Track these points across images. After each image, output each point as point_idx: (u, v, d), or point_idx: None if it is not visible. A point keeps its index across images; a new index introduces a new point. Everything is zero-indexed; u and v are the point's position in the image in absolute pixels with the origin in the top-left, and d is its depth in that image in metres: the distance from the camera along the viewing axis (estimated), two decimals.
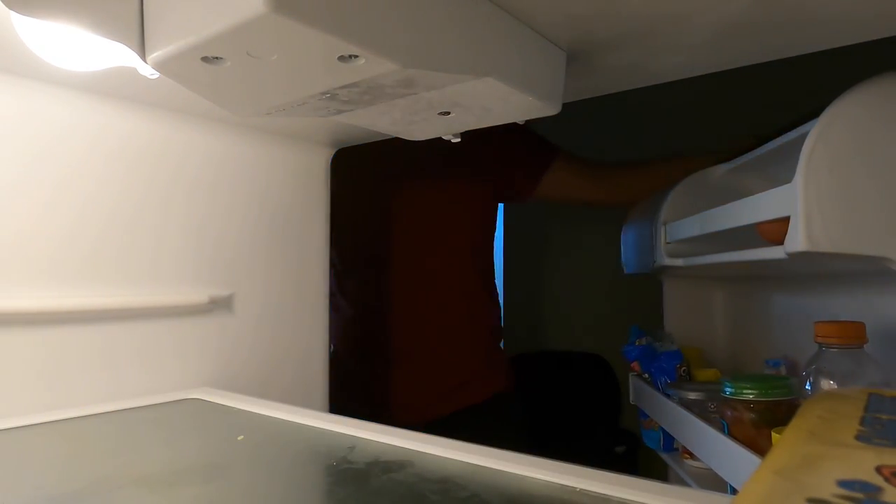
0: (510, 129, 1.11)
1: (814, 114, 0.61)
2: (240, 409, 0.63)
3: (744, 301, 1.13)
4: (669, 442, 1.02)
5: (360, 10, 0.35)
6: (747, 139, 0.92)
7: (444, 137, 0.59)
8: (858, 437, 0.26)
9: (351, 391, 1.06)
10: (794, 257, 0.57)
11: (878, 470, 0.21)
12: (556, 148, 1.15)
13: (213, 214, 0.79)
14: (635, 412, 1.14)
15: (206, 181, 0.79)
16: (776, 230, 0.61)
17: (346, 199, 1.01)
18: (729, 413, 0.71)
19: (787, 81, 1.19)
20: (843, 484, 0.20)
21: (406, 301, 1.08)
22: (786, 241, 0.57)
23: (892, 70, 0.56)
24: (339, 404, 0.92)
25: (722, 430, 0.72)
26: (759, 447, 0.64)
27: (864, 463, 0.22)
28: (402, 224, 1.08)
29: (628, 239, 1.21)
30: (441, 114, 0.50)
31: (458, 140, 0.58)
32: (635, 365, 1.11)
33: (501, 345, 1.19)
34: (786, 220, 0.57)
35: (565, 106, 0.53)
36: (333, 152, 0.94)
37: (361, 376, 1.09)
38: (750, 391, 0.69)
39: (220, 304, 0.79)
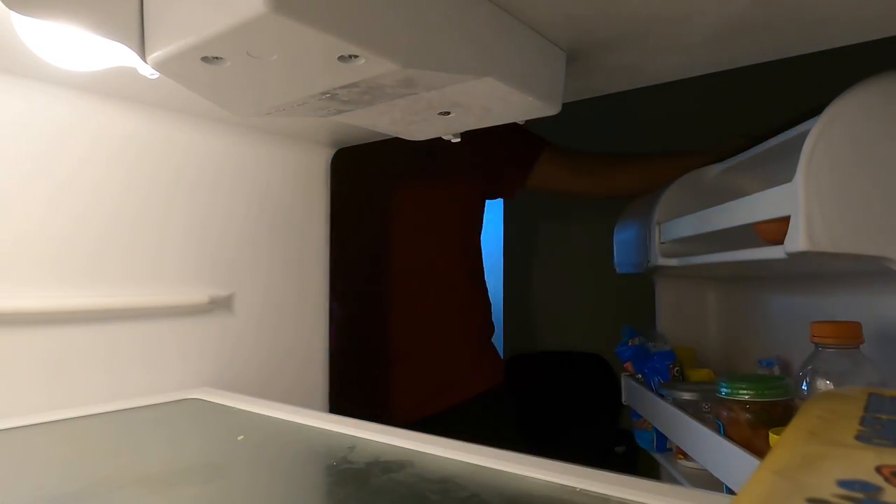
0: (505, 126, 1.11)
1: (809, 113, 0.61)
2: (240, 409, 0.63)
3: (736, 301, 1.13)
4: (663, 442, 1.02)
5: (360, 10, 0.36)
6: (741, 139, 0.93)
7: (444, 137, 0.59)
8: (858, 437, 0.26)
9: (345, 389, 1.07)
10: (794, 257, 0.57)
11: (878, 470, 0.21)
12: (543, 141, 1.15)
13: (213, 214, 0.79)
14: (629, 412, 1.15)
15: (206, 181, 0.79)
16: (775, 230, 0.60)
17: (346, 199, 1.01)
18: (725, 413, 0.71)
19: (787, 81, 1.19)
20: (843, 484, 0.20)
21: (401, 300, 1.08)
22: (786, 241, 0.57)
23: (892, 69, 0.56)
24: (334, 402, 0.92)
25: (718, 430, 0.72)
26: (756, 448, 0.64)
27: (864, 463, 0.22)
28: (398, 223, 1.08)
29: (621, 239, 1.21)
30: (441, 114, 0.50)
31: (458, 140, 0.58)
32: (628, 365, 1.11)
33: (493, 341, 1.20)
34: (785, 219, 0.57)
35: (565, 106, 0.53)
36: (333, 152, 0.94)
37: (355, 375, 1.10)
38: (746, 392, 0.69)
39: (220, 304, 0.79)
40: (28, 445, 0.53)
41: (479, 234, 1.17)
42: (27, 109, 0.64)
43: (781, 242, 0.58)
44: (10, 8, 0.37)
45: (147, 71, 0.42)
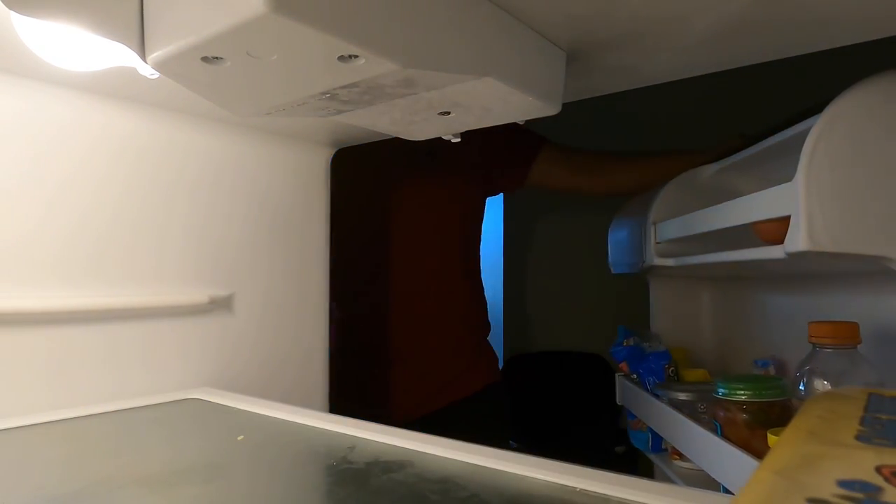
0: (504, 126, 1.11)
1: (805, 114, 0.61)
2: (240, 409, 0.63)
3: (730, 301, 1.13)
4: (658, 443, 1.01)
5: (360, 10, 0.35)
6: (737, 139, 0.93)
7: (444, 137, 0.59)
8: (858, 437, 0.26)
9: (343, 388, 1.07)
10: (794, 257, 0.57)
11: (878, 470, 0.21)
12: (542, 139, 1.16)
13: (213, 214, 0.79)
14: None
15: (206, 181, 0.79)
16: (774, 230, 0.60)
17: (346, 199, 1.01)
18: (722, 414, 0.71)
19: (787, 81, 1.19)
20: (843, 484, 0.20)
21: (399, 299, 1.08)
22: (786, 241, 0.56)
23: (892, 69, 0.56)
24: (333, 401, 0.93)
25: (715, 431, 0.72)
26: (753, 448, 0.64)
27: (864, 463, 0.22)
28: (397, 223, 1.08)
29: (615, 239, 1.21)
30: (441, 114, 0.50)
31: (458, 140, 0.58)
32: (623, 365, 1.10)
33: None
34: (785, 219, 0.57)
35: (565, 106, 0.53)
36: (333, 152, 0.94)
37: (354, 374, 1.10)
38: (743, 392, 0.69)
39: (220, 304, 0.79)
40: (28, 445, 0.53)
41: (479, 232, 1.18)
42: (27, 109, 0.64)
43: (781, 242, 0.58)
44: (10, 8, 0.37)
45: (147, 71, 0.42)
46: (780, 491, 0.21)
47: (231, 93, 0.45)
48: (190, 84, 0.43)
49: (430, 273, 1.09)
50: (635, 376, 1.06)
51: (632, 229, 1.05)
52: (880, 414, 0.30)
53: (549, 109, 0.51)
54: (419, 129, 0.55)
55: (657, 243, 0.93)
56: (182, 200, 0.76)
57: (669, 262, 0.90)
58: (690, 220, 0.81)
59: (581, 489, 0.38)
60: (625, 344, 1.12)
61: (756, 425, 0.67)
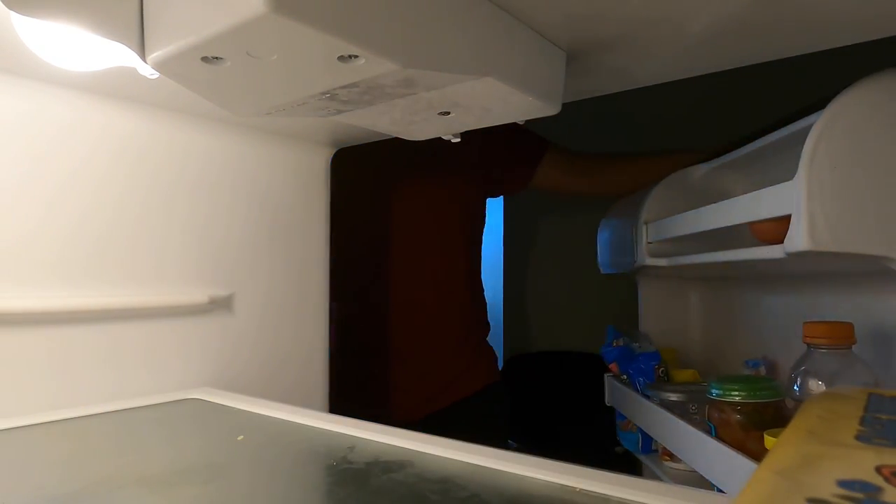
0: (507, 127, 1.11)
1: (795, 115, 0.61)
2: (240, 409, 0.63)
3: (719, 301, 1.13)
4: (648, 443, 1.01)
5: (360, 10, 0.35)
6: (724, 145, 0.92)
7: (444, 137, 0.59)
8: (858, 437, 0.26)
9: (344, 388, 1.07)
10: (794, 257, 0.56)
11: (878, 470, 0.21)
12: (545, 142, 1.16)
13: (213, 214, 0.79)
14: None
15: (206, 181, 0.79)
16: (772, 230, 0.60)
17: (346, 199, 1.01)
18: (716, 415, 0.71)
19: (786, 80, 1.19)
20: (843, 484, 0.20)
21: (400, 299, 1.08)
22: (786, 241, 0.56)
23: (892, 67, 0.56)
24: (332, 401, 0.93)
25: (709, 432, 0.71)
26: (748, 449, 0.64)
27: (864, 463, 0.22)
28: (398, 223, 1.08)
29: (605, 239, 1.21)
30: (441, 114, 0.50)
31: (458, 140, 0.58)
32: (613, 366, 1.10)
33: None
34: (783, 219, 0.57)
35: (565, 106, 0.53)
36: (333, 152, 0.94)
37: (354, 374, 1.10)
38: (737, 393, 0.69)
39: (219, 304, 0.79)
40: (29, 445, 0.53)
41: (480, 233, 1.18)
42: (28, 109, 0.64)
43: (778, 242, 0.58)
44: (10, 8, 0.37)
45: (147, 71, 0.42)
46: (780, 491, 0.21)
47: (231, 93, 0.45)
48: (190, 84, 0.43)
49: (431, 273, 1.09)
50: (625, 377, 1.06)
51: (622, 229, 1.04)
52: (880, 414, 0.30)
53: (549, 109, 0.51)
54: (419, 129, 0.55)
55: (649, 243, 0.92)
56: (182, 200, 0.76)
57: (662, 261, 0.89)
58: (685, 220, 0.80)
59: (581, 489, 0.38)
60: (614, 344, 1.11)
61: (750, 426, 0.66)
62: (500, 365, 1.55)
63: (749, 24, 0.48)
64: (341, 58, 0.37)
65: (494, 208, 1.97)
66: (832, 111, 0.54)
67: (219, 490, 0.41)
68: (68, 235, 0.66)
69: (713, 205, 0.72)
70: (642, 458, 1.02)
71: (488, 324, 1.19)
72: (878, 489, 0.20)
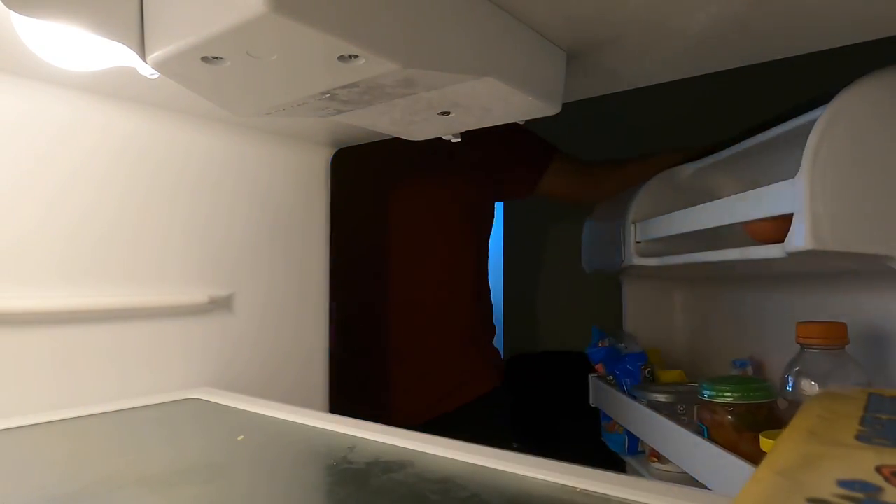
0: (510, 128, 1.11)
1: (780, 117, 0.60)
2: (240, 409, 0.63)
3: (704, 301, 1.12)
4: (634, 445, 0.99)
5: (360, 10, 0.35)
6: (711, 146, 0.92)
7: (444, 137, 0.59)
8: (858, 437, 0.26)
9: (348, 391, 1.07)
10: (795, 256, 0.55)
11: (878, 470, 0.21)
12: (553, 148, 1.16)
13: (213, 214, 0.79)
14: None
15: (206, 181, 0.79)
16: (769, 228, 0.59)
17: (346, 199, 1.01)
18: (708, 416, 0.70)
19: (783, 79, 1.19)
20: (843, 484, 0.20)
21: (403, 300, 1.08)
22: (788, 240, 0.54)
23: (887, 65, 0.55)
24: (336, 405, 0.92)
25: (701, 433, 0.70)
26: (742, 451, 0.63)
27: (864, 463, 0.22)
28: (401, 224, 1.08)
29: (590, 239, 1.19)
30: (441, 114, 0.50)
31: (458, 140, 0.58)
32: (600, 367, 1.09)
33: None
34: (781, 217, 0.56)
35: (564, 106, 0.53)
36: (333, 152, 0.94)
37: (358, 377, 1.10)
38: (730, 394, 0.68)
39: (219, 304, 0.79)
40: (31, 445, 0.53)
41: (487, 235, 1.17)
42: (28, 109, 0.64)
43: (775, 241, 0.57)
44: (10, 8, 0.37)
45: (147, 71, 0.42)
46: (780, 491, 0.21)
47: (231, 93, 0.45)
48: (190, 84, 0.43)
49: (434, 274, 1.09)
50: (611, 378, 1.05)
51: (608, 229, 1.02)
52: (880, 414, 0.30)
53: (549, 109, 0.51)
54: (419, 129, 0.55)
55: (637, 242, 0.91)
56: (182, 200, 0.76)
57: (652, 261, 0.87)
58: (679, 219, 0.79)
59: (581, 489, 0.38)
60: (600, 345, 1.10)
61: (744, 428, 0.66)
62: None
63: (749, 24, 0.48)
64: (341, 58, 0.37)
65: (495, 207, 1.97)
66: (835, 108, 0.53)
67: (219, 490, 0.41)
68: (69, 235, 0.66)
69: (709, 203, 0.70)
70: (629, 459, 1.01)
71: (494, 327, 1.19)
72: (878, 489, 0.20)
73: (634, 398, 0.92)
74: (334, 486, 0.43)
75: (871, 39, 0.51)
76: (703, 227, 0.71)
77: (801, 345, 0.62)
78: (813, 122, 0.57)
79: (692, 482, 0.71)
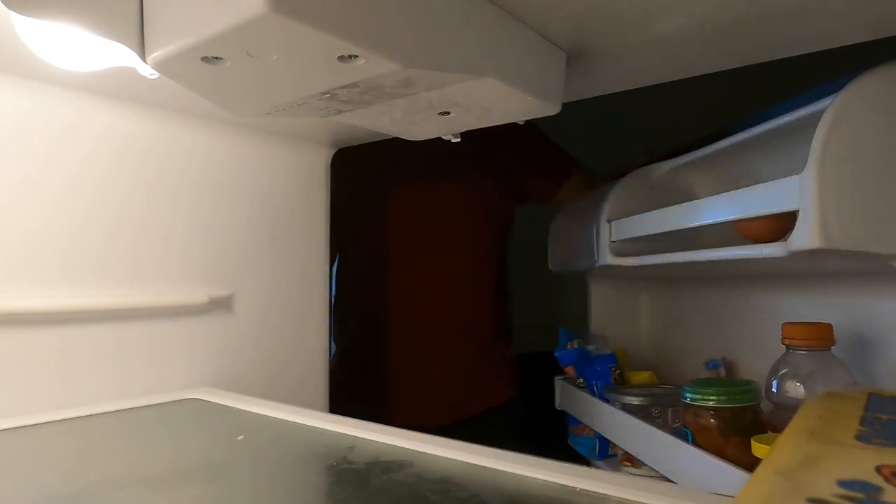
0: (535, 136, 1.10)
1: (757, 117, 0.59)
2: (240, 409, 0.63)
3: (672, 301, 1.09)
4: (605, 448, 0.97)
5: (360, 10, 0.35)
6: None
7: (444, 137, 0.59)
8: (858, 437, 0.26)
9: (358, 397, 1.06)
10: (800, 256, 0.53)
11: (878, 470, 0.21)
12: (575, 161, 1.15)
13: (214, 214, 0.79)
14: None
15: (207, 181, 0.79)
16: (765, 227, 0.57)
17: (351, 197, 1.00)
18: (692, 420, 0.67)
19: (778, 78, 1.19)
20: (843, 484, 0.20)
21: (423, 304, 1.07)
22: (792, 238, 0.52)
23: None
24: (344, 409, 0.92)
25: (683, 437, 0.68)
26: (728, 455, 0.61)
27: (864, 463, 0.22)
28: (418, 226, 1.07)
29: (558, 238, 1.14)
30: (441, 114, 0.50)
31: (458, 140, 0.58)
32: (570, 369, 1.05)
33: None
34: (780, 216, 0.55)
35: (564, 106, 0.53)
36: (333, 152, 0.94)
37: (368, 383, 1.09)
38: (716, 397, 0.66)
39: (219, 304, 0.79)
40: (32, 445, 0.53)
41: (503, 240, 1.15)
42: (29, 110, 0.64)
43: (770, 240, 0.56)
44: (10, 8, 0.37)
45: (147, 71, 0.42)
46: (780, 491, 0.21)
47: (231, 93, 0.45)
48: (190, 84, 0.43)
49: (452, 276, 1.08)
50: (581, 380, 1.02)
51: (580, 228, 0.98)
52: (880, 414, 0.30)
53: (549, 109, 0.51)
54: (419, 129, 0.55)
55: (612, 242, 0.87)
56: (183, 200, 0.76)
57: (632, 261, 0.83)
58: (663, 217, 0.74)
59: (581, 489, 0.38)
60: (569, 347, 1.07)
61: (730, 431, 0.64)
62: None
63: (751, 21, 0.48)
64: (341, 58, 0.37)
65: None
66: (847, 96, 0.50)
67: (219, 490, 0.41)
68: (71, 236, 0.66)
69: (703, 200, 0.67)
70: (600, 463, 0.98)
71: (513, 332, 1.17)
72: (878, 489, 0.20)
73: (607, 401, 0.89)
74: (334, 487, 0.43)
75: (871, 39, 0.51)
76: (698, 225, 0.68)
77: (787, 346, 0.61)
78: (793, 122, 0.56)
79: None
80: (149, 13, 0.40)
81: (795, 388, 0.59)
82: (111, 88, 0.67)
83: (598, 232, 0.89)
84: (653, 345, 1.14)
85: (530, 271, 1.91)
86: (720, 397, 0.65)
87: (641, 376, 0.98)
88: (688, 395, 0.68)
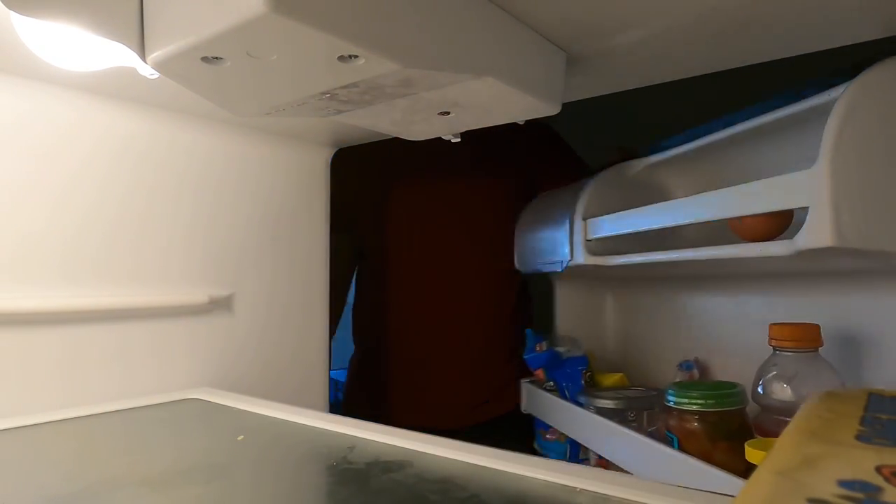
0: (552, 140, 1.09)
1: (738, 115, 0.59)
2: (240, 409, 0.63)
3: (640, 302, 1.06)
4: (576, 452, 0.93)
5: (361, 10, 0.36)
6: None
7: (444, 137, 0.59)
8: (859, 437, 0.26)
9: (375, 400, 1.06)
10: (804, 255, 0.50)
11: (879, 470, 0.21)
12: (586, 167, 1.15)
13: (214, 214, 0.79)
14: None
15: (207, 181, 0.79)
16: (763, 225, 0.56)
17: (372, 197, 1.00)
18: (676, 424, 0.65)
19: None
20: (843, 484, 0.20)
21: (436, 308, 1.07)
22: (799, 236, 0.50)
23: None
24: (357, 412, 0.91)
25: (668, 443, 0.66)
26: (716, 461, 0.59)
27: (864, 463, 0.22)
28: (418, 226, 1.07)
29: (527, 237, 1.09)
30: (441, 114, 0.50)
31: (458, 140, 0.58)
32: (539, 373, 1.01)
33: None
34: (780, 214, 0.54)
35: (564, 105, 0.53)
36: (333, 152, 0.94)
37: (386, 385, 1.09)
38: (702, 401, 0.63)
39: (220, 305, 0.79)
40: (32, 445, 0.53)
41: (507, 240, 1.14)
42: (29, 110, 0.64)
43: (768, 238, 0.55)
44: (10, 8, 0.37)
45: (147, 71, 0.42)
46: (780, 491, 0.21)
47: (231, 93, 0.45)
48: (190, 84, 0.43)
49: (467, 277, 1.07)
50: (551, 383, 0.98)
51: (551, 227, 0.94)
52: (880, 414, 0.30)
53: (549, 109, 0.51)
54: (419, 129, 0.55)
55: (587, 241, 0.83)
56: (183, 200, 0.76)
57: (614, 260, 0.79)
58: (648, 214, 0.70)
59: (581, 489, 0.38)
60: (538, 349, 1.03)
61: (718, 436, 0.62)
62: None
63: (748, 24, 0.48)
64: (341, 58, 0.37)
65: None
66: (860, 85, 0.47)
67: (219, 490, 0.41)
68: (72, 236, 0.66)
69: (698, 196, 0.63)
70: None
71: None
72: (879, 489, 0.20)
73: (579, 404, 0.86)
74: (334, 487, 0.43)
75: (870, 39, 0.51)
76: (694, 222, 0.64)
77: (774, 347, 0.59)
78: (773, 122, 0.55)
79: None
80: (149, 13, 0.40)
81: (782, 390, 0.57)
82: (111, 88, 0.67)
83: (572, 230, 0.85)
84: (620, 346, 1.11)
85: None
86: (707, 401, 0.63)
87: (612, 378, 0.94)
88: (671, 398, 0.66)
